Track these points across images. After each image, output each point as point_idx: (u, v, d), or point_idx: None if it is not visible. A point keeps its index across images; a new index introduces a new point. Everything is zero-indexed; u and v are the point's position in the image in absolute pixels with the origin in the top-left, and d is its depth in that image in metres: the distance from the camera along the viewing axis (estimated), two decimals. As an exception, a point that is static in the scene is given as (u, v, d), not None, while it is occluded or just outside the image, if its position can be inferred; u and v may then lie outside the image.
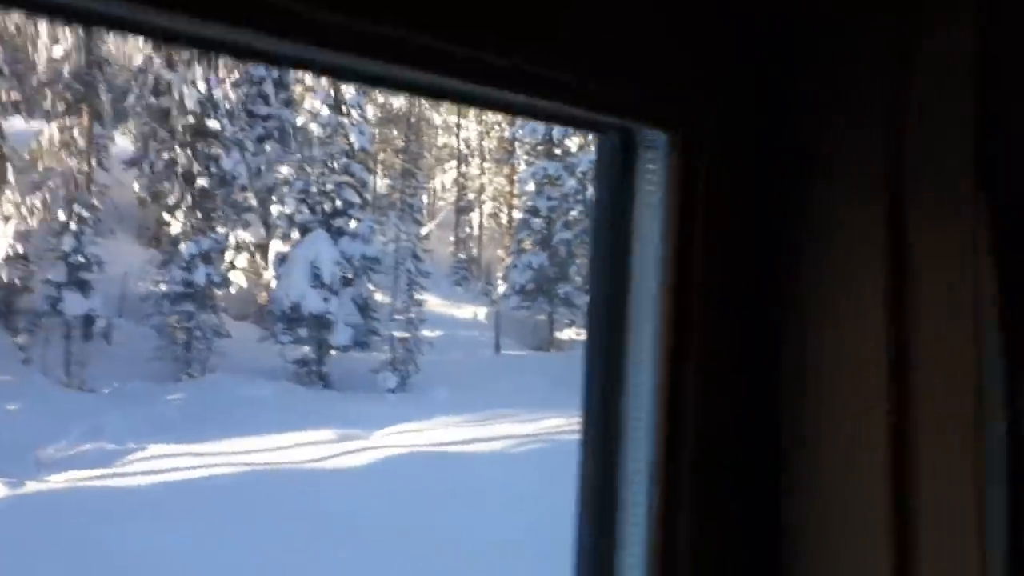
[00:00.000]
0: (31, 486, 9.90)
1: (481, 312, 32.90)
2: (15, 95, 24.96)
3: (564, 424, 14.12)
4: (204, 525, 8.38)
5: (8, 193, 18.96)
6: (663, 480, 1.04)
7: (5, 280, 18.28)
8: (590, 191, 22.48)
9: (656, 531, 1.03)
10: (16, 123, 25.98)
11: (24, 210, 19.20)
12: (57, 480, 10.37)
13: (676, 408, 1.05)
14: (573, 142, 29.78)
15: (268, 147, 26.67)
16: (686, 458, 1.05)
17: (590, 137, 24.61)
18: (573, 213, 23.27)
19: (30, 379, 16.95)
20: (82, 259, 18.14)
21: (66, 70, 23.54)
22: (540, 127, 28.73)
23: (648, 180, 1.11)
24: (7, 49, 23.58)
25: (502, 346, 26.74)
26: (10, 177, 19.78)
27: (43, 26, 24.59)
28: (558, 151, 28.75)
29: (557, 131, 28.54)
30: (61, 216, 18.49)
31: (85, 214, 18.42)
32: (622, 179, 1.11)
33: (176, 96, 21.66)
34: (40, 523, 8.44)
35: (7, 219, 18.54)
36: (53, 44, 25.45)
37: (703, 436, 1.07)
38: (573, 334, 30.47)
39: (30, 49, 32.11)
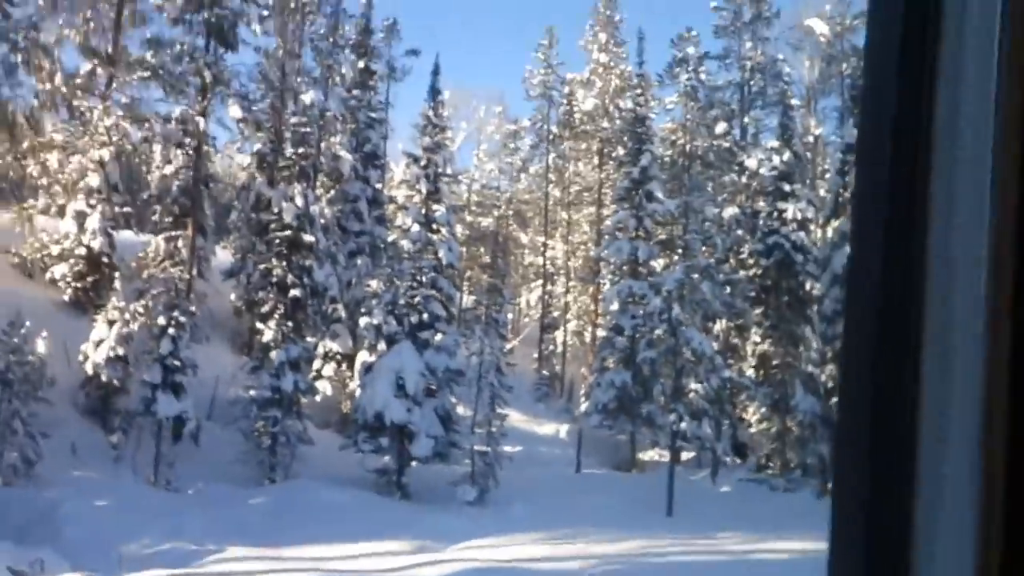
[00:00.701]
0: (113, 581, 10.02)
1: (563, 429, 32.56)
2: (128, 209, 26.49)
3: (644, 545, 13.70)
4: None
5: (114, 299, 19.89)
6: None
7: (104, 380, 18.99)
8: (676, 311, 22.40)
9: None
10: (126, 235, 27.40)
11: (127, 315, 20.09)
12: (138, 577, 10.48)
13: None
14: (659, 263, 29.88)
15: (359, 261, 27.57)
16: None
17: (674, 259, 24.40)
18: (657, 332, 23.11)
19: (119, 477, 17.37)
20: (177, 362, 18.77)
21: (175, 186, 25.00)
22: (626, 246, 28.99)
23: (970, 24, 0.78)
24: (123, 167, 25.22)
25: (583, 464, 26.29)
26: (117, 284, 20.80)
27: (157, 145, 26.29)
28: (643, 270, 28.84)
29: (642, 251, 28.73)
30: (161, 321, 19.26)
31: (183, 319, 19.15)
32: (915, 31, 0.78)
33: (275, 211, 22.71)
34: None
35: (111, 323, 19.40)
36: (165, 163, 27.18)
37: None
38: (655, 455, 29.77)
39: (143, 169, 34.20)
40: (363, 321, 22.60)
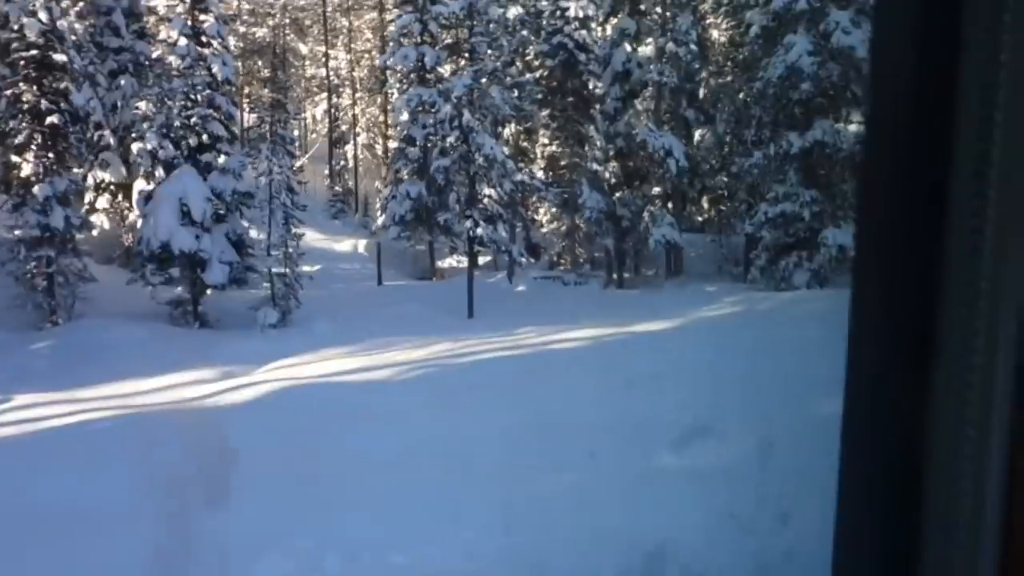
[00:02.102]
0: None
1: (361, 244, 32.58)
2: None
3: (450, 348, 14.25)
4: (88, 466, 8.13)
5: None
6: None
7: None
8: (466, 117, 22.30)
9: None
10: None
11: None
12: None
13: None
14: (446, 68, 29.37)
15: (123, 81, 25.30)
16: None
17: (461, 64, 24.00)
18: (449, 140, 23.04)
19: None
20: (-77, 206, 16.89)
21: None
22: (412, 53, 28.19)
23: None
24: None
25: (384, 277, 26.60)
26: None
27: None
28: (431, 76, 28.32)
29: (429, 58, 28.05)
30: None
31: (-78, 157, 17.07)
32: None
33: (15, 27, 20.14)
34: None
35: None
36: None
37: None
38: (454, 262, 30.56)
39: None
40: (135, 147, 21.08)
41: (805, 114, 22.50)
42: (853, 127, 21.80)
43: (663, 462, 7.23)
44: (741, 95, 27.33)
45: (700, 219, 32.67)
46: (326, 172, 43.26)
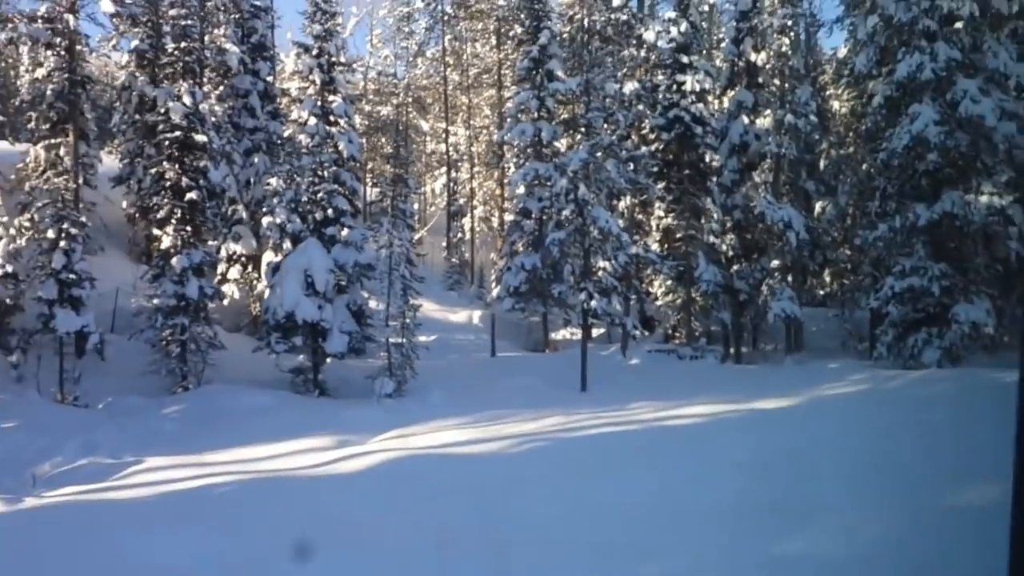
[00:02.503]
0: (30, 502, 9.85)
1: (476, 315, 32.94)
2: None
3: (562, 422, 14.12)
4: (210, 530, 8.36)
5: (-4, 214, 18.92)
6: None
7: (-4, 300, 18.24)
8: (581, 190, 22.49)
9: None
10: (1, 145, 25.84)
11: (12, 230, 19.16)
12: (55, 495, 10.33)
13: None
14: (562, 143, 29.81)
15: (256, 159, 26.70)
16: None
17: (577, 138, 24.24)
18: (564, 212, 23.22)
19: (24, 397, 16.90)
20: (73, 276, 18.08)
21: (49, 90, 23.51)
22: (529, 128, 28.76)
23: None
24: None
25: (497, 348, 26.74)
26: (-2, 198, 19.77)
27: (24, 47, 24.49)
28: (547, 151, 28.78)
29: (546, 132, 28.55)
30: (50, 234, 18.42)
31: (73, 231, 18.34)
32: None
33: (162, 111, 21.64)
34: (43, 536, 8.41)
35: (-3, 240, 18.51)
36: (35, 66, 25.44)
37: None
38: (567, 334, 30.50)
39: (11, 73, 32.05)
40: (265, 221, 22.07)
41: (932, 185, 21.71)
42: (984, 198, 20.86)
43: (787, 548, 6.90)
44: (864, 166, 26.68)
45: (822, 293, 31.73)
46: (444, 244, 44.19)
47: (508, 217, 32.48)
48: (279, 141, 26.05)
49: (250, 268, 25.97)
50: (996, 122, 20.48)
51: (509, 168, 34.00)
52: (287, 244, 21.21)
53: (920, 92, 21.63)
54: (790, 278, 27.38)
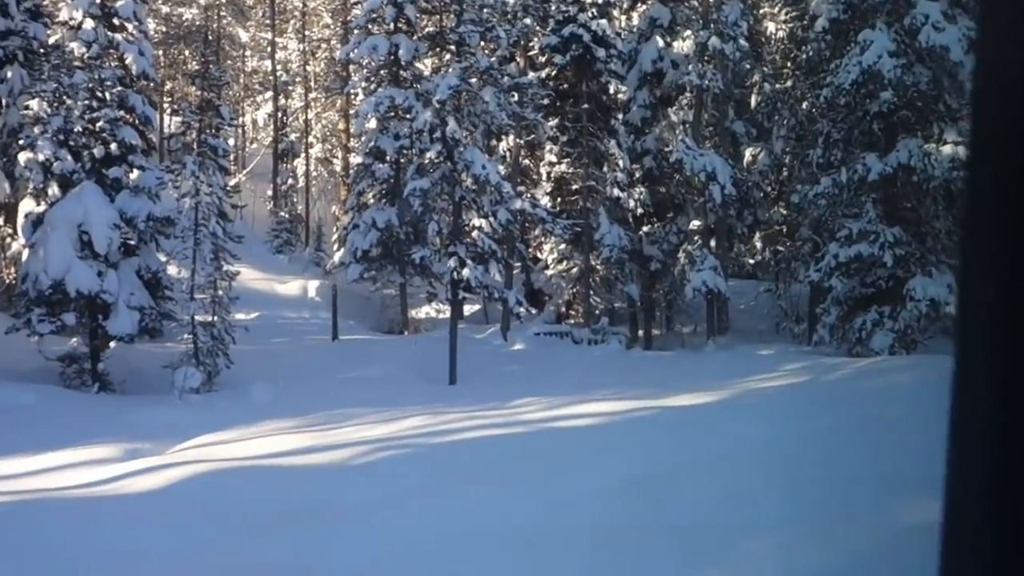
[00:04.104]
0: None
1: (312, 286, 32.57)
2: None
3: (425, 424, 14.15)
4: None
5: None
6: None
7: None
8: (451, 126, 22.45)
9: None
10: None
11: None
12: None
13: None
14: (426, 64, 29.64)
15: (9, 73, 25.47)
16: None
17: (446, 59, 24.18)
18: (430, 155, 23.15)
19: None
20: None
21: None
22: (383, 44, 28.44)
23: None
24: None
25: (341, 329, 26.55)
26: None
27: None
28: (406, 74, 28.56)
29: (405, 50, 28.30)
30: None
31: None
32: None
33: None
34: None
35: None
36: None
37: None
38: (432, 310, 30.54)
39: None
40: (23, 157, 21.13)
41: (886, 130, 22.68)
42: (947, 148, 21.93)
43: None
44: (805, 105, 27.60)
45: (751, 262, 32.82)
46: (269, 193, 43.43)
47: (355, 159, 32.12)
48: (42, 50, 24.89)
49: (2, 221, 24.86)
50: (962, 56, 21.47)
51: (356, 95, 33.59)
52: (54, 189, 20.48)
53: (872, 15, 22.53)
54: (713, 243, 28.19)
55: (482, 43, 27.05)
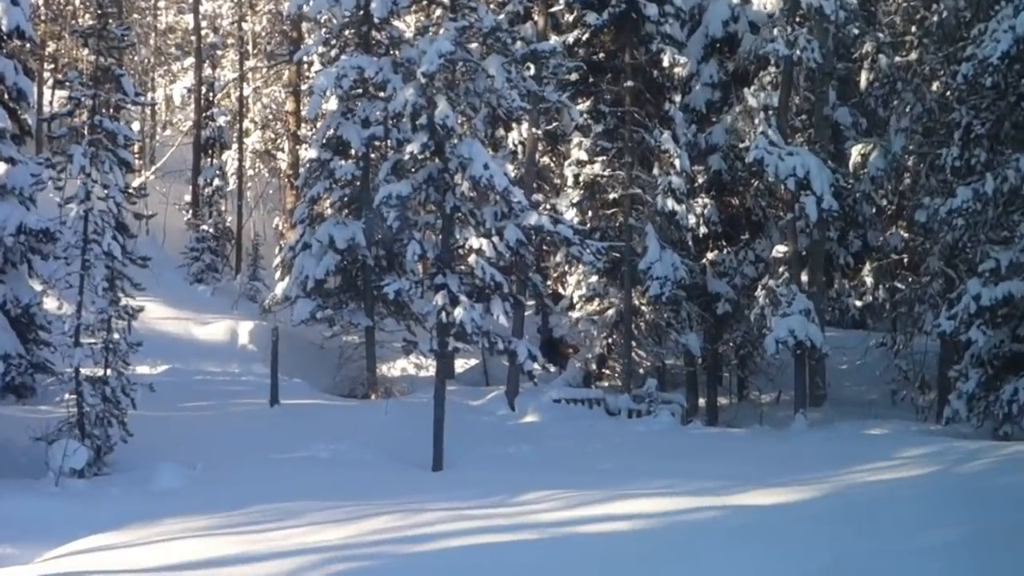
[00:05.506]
0: None
1: (243, 329, 32.57)
2: None
3: (402, 526, 14.10)
4: None
5: None
6: None
7: None
8: (441, 108, 22.47)
9: None
10: None
11: None
12: None
13: None
14: (408, 23, 29.76)
15: None
16: None
17: (435, 14, 24.22)
18: (412, 148, 23.09)
19: None
20: None
21: None
22: (347, -7, 28.54)
23: None
24: None
25: (285, 390, 26.45)
26: None
27: None
28: (378, 35, 28.64)
29: (378, 4, 28.29)
30: None
31: None
32: None
33: None
34: None
35: None
36: None
37: None
38: (409, 365, 30.47)
39: None
40: None
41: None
42: None
43: None
44: (935, 86, 27.61)
45: (858, 304, 32.71)
46: (187, 199, 43.55)
47: (307, 153, 32.18)
48: None
49: None
50: None
51: (311, 64, 33.74)
52: None
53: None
54: (805, 277, 28.10)
55: (486, -5, 27.14)
